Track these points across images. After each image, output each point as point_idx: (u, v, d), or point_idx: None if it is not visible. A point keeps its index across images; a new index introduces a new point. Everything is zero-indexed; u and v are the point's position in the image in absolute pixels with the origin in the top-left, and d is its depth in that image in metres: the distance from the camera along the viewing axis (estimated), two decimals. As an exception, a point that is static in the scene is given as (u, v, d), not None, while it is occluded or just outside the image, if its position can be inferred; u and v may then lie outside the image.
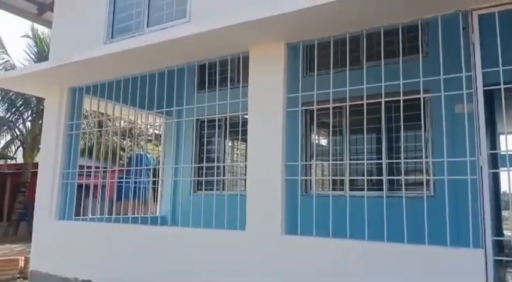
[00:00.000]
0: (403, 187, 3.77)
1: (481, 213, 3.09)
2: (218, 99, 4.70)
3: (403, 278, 3.33)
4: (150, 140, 12.69)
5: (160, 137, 8.08)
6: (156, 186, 7.66)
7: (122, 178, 7.55)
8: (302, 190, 5.67)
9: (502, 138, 8.66)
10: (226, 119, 6.82)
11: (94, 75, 5.44)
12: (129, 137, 9.65)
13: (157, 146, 8.91)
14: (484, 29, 3.50)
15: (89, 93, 5.78)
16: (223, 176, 6.83)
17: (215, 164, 6.93)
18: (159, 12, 5.35)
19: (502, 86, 3.18)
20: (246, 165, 4.51)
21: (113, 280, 4.93)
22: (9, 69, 15.08)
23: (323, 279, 3.66)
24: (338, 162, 6.03)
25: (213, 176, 6.65)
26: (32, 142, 15.39)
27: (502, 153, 4.14)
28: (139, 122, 6.17)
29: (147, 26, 5.40)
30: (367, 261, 3.51)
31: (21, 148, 16.02)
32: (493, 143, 6.54)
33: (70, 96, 5.90)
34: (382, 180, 4.70)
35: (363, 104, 3.87)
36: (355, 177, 5.90)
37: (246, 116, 4.40)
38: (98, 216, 5.81)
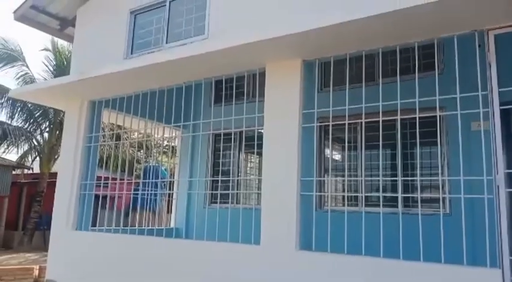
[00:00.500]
0: (419, 204, 3.77)
1: (498, 233, 3.07)
2: (234, 113, 4.77)
3: (419, 296, 3.30)
4: (165, 152, 12.81)
5: (176, 149, 8.18)
6: (171, 198, 7.73)
7: (137, 189, 7.65)
8: (316, 205, 5.67)
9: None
10: (241, 132, 6.90)
11: (114, 89, 5.58)
12: (146, 148, 9.79)
13: (172, 158, 9.01)
14: (500, 47, 3.52)
15: (108, 107, 5.91)
16: (238, 189, 6.87)
17: (230, 177, 6.97)
18: (178, 28, 5.49)
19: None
20: (260, 179, 4.55)
21: (127, 292, 4.97)
22: (28, 81, 15.49)
23: (338, 296, 3.65)
24: (353, 178, 6.02)
25: (228, 189, 6.69)
26: (48, 152, 15.68)
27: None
28: (155, 135, 6.27)
29: (166, 42, 5.54)
30: (382, 278, 3.50)
31: (38, 158, 16.31)
32: (510, 158, 6.46)
33: (89, 110, 6.05)
34: (397, 196, 4.70)
35: (378, 120, 3.90)
36: (370, 194, 5.88)
37: (261, 130, 4.46)
38: (114, 227, 5.89)
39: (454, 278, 3.20)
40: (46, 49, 15.88)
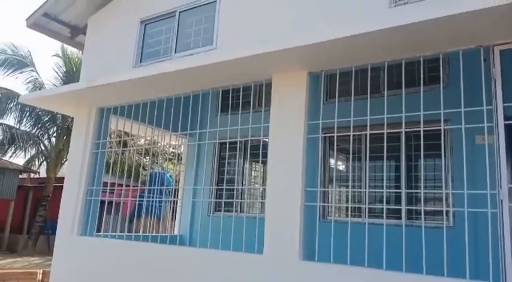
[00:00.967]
0: (423, 217, 3.78)
1: (501, 248, 3.08)
2: (240, 122, 4.83)
3: (421, 309, 3.31)
4: (171, 159, 12.89)
5: (181, 156, 8.25)
6: (175, 205, 7.78)
7: (143, 195, 7.71)
8: (320, 216, 5.69)
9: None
10: (247, 142, 6.95)
11: (122, 97, 5.67)
12: (152, 155, 9.87)
13: (177, 165, 9.07)
14: (506, 61, 3.55)
15: (116, 114, 5.99)
16: (242, 198, 6.91)
17: (235, 186, 7.01)
18: (187, 39, 5.58)
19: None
20: (264, 188, 4.59)
21: (130, 298, 5.00)
22: (37, 87, 15.70)
23: (340, 307, 3.66)
24: (357, 190, 6.04)
25: (232, 197, 6.73)
26: (55, 157, 15.82)
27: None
28: (162, 142, 6.34)
29: (175, 52, 5.63)
30: (385, 290, 3.51)
31: (44, 162, 16.45)
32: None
33: (98, 116, 6.13)
34: (401, 208, 4.71)
35: (383, 132, 3.94)
36: (374, 206, 5.89)
37: (267, 140, 4.51)
38: (119, 233, 5.94)
39: (457, 291, 3.20)
40: (57, 55, 16.11)
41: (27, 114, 15.87)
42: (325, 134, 5.01)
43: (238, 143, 5.60)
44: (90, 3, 6.99)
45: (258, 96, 6.36)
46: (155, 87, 5.26)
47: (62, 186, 6.27)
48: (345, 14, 4.69)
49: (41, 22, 7.38)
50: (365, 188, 5.85)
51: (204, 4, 5.69)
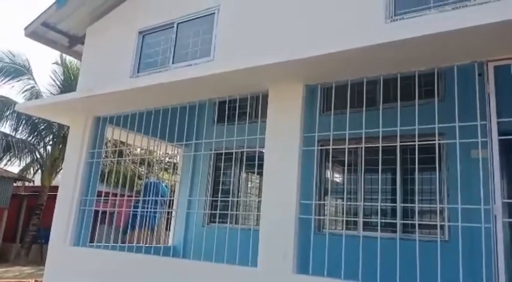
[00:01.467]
0: (417, 231, 3.77)
1: (495, 264, 3.08)
2: (236, 133, 4.83)
3: (416, 325, 3.28)
4: (167, 169, 12.85)
5: (177, 166, 8.23)
6: (170, 215, 7.74)
7: (137, 205, 7.66)
8: (315, 228, 5.67)
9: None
10: (243, 153, 6.95)
11: (119, 106, 5.67)
12: (148, 165, 9.84)
13: (173, 175, 9.04)
14: (500, 77, 3.59)
15: (112, 123, 5.98)
16: (237, 209, 6.88)
17: (230, 197, 6.99)
18: (185, 50, 5.62)
19: (517, 136, 3.23)
20: (259, 200, 4.57)
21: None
22: (34, 95, 15.68)
23: (334, 321, 3.63)
24: (352, 203, 6.03)
25: (227, 207, 6.70)
26: (50, 166, 15.73)
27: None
28: (158, 152, 6.33)
29: (173, 63, 5.66)
30: (379, 305, 3.48)
31: (39, 171, 16.35)
32: (511, 188, 6.46)
33: (94, 125, 6.12)
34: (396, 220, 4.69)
35: (378, 145, 3.95)
36: (369, 219, 5.88)
37: (263, 151, 4.51)
38: (112, 244, 5.88)
39: (451, 307, 3.19)
40: (57, 63, 16.12)
41: (24, 122, 15.81)
42: (321, 146, 5.02)
43: (234, 153, 5.59)
44: (89, 13, 7.04)
45: (254, 107, 6.38)
46: (152, 97, 5.27)
47: (57, 195, 6.23)
48: (341, 28, 4.75)
49: (39, 31, 7.41)
50: (361, 201, 5.84)
51: (202, 16, 5.75)
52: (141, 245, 6.33)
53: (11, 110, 15.18)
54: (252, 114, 6.65)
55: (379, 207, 5.54)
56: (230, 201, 6.94)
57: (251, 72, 4.22)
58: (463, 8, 4.18)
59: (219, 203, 6.73)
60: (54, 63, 16.11)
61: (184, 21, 5.93)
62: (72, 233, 5.79)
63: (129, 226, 8.07)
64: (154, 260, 5.01)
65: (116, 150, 6.13)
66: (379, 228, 4.25)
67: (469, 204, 3.55)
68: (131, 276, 5.05)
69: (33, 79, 15.96)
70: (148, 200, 7.10)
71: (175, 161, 8.90)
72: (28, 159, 16.34)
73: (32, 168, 16.84)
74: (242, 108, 5.97)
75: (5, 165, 16.17)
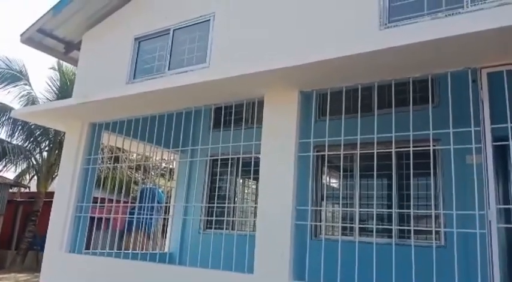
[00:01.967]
0: (412, 236, 3.78)
1: (490, 269, 3.09)
2: (232, 138, 4.83)
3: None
4: (163, 175, 12.82)
5: (173, 171, 8.21)
6: (166, 221, 7.71)
7: (133, 210, 7.64)
8: (312, 234, 5.66)
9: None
10: (239, 158, 6.94)
11: (115, 113, 5.67)
12: (144, 170, 9.83)
13: (169, 180, 9.02)
14: (494, 83, 3.61)
15: (108, 129, 5.97)
16: (234, 214, 6.86)
17: (226, 203, 6.98)
18: (181, 56, 5.63)
19: (511, 142, 3.25)
20: (256, 206, 4.57)
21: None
22: (31, 100, 15.63)
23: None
24: (348, 209, 6.03)
25: (224, 213, 6.68)
26: (46, 171, 15.64)
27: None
28: (154, 158, 6.32)
29: (169, 69, 5.67)
30: (375, 311, 3.48)
31: (35, 177, 16.26)
32: (507, 192, 6.48)
33: (90, 132, 6.10)
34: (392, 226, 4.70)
35: (373, 151, 3.96)
36: (365, 225, 5.88)
37: (259, 156, 4.51)
38: (108, 251, 5.85)
39: (447, 313, 3.19)
40: (53, 68, 16.08)
41: (20, 128, 15.72)
42: (317, 152, 5.02)
43: (230, 159, 5.60)
44: (86, 19, 7.05)
45: (251, 112, 6.39)
46: (148, 103, 5.27)
47: (53, 201, 6.19)
48: (336, 35, 4.77)
49: (35, 37, 7.41)
50: (357, 206, 5.84)
51: (198, 23, 5.77)
52: (137, 251, 6.30)
53: (7, 116, 15.12)
54: (248, 120, 6.66)
55: (374, 213, 5.54)
56: (226, 207, 6.93)
57: (246, 79, 4.23)
58: (456, 15, 4.22)
59: (215, 209, 6.72)
60: (50, 68, 16.05)
61: (180, 28, 5.95)
62: (68, 240, 5.76)
63: (125, 231, 8.04)
64: (151, 266, 4.99)
65: (112, 156, 6.11)
66: (374, 233, 4.26)
67: (464, 210, 3.56)
68: (127, 283, 5.02)
69: (30, 85, 15.90)
70: (145, 206, 7.08)
71: (171, 166, 8.89)
72: (24, 165, 16.23)
73: (27, 174, 16.73)
74: (238, 114, 5.97)
75: (1, 171, 16.06)
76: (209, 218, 7.01)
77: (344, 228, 6.04)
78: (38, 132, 15.85)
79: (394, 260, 3.56)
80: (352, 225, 5.81)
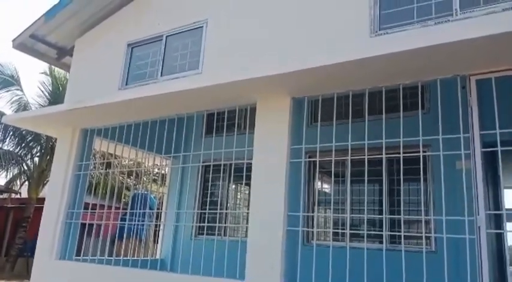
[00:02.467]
0: (402, 242, 3.80)
1: (479, 274, 3.11)
2: (224, 144, 4.83)
3: None
4: (155, 180, 12.76)
5: (165, 177, 8.18)
6: (158, 228, 7.67)
7: (125, 216, 7.58)
8: (304, 240, 5.67)
9: (506, 192, 8.58)
10: (231, 164, 6.94)
11: (107, 118, 5.65)
12: (136, 176, 9.79)
13: (161, 186, 8.99)
14: (483, 90, 3.67)
15: (100, 135, 5.95)
16: (226, 221, 6.85)
17: (217, 210, 6.97)
18: (173, 62, 5.64)
19: (499, 148, 3.29)
20: (248, 212, 4.57)
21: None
22: (22, 106, 15.51)
23: None
24: (340, 215, 6.04)
25: (216, 218, 6.67)
26: (38, 177, 15.50)
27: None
28: (146, 164, 6.30)
29: (161, 75, 5.68)
30: (366, 317, 3.49)
31: (26, 183, 16.11)
32: (497, 197, 6.54)
33: (81, 137, 6.07)
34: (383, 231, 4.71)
35: (364, 157, 3.99)
36: (356, 231, 5.90)
37: (251, 161, 4.52)
38: (99, 257, 5.80)
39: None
40: (45, 73, 15.98)
41: (11, 133, 15.60)
42: (309, 157, 5.05)
43: (222, 165, 5.60)
44: (78, 25, 7.04)
45: (243, 118, 6.40)
46: (140, 109, 5.27)
47: (43, 207, 6.14)
48: (327, 42, 4.82)
49: (27, 43, 7.38)
50: (348, 212, 5.87)
51: (191, 29, 5.79)
52: (128, 258, 6.25)
53: (-2, 122, 14.98)
54: (240, 126, 6.67)
55: (365, 218, 5.57)
56: (218, 213, 6.92)
57: (239, 85, 4.26)
58: (445, 23, 4.28)
59: (207, 215, 6.70)
60: (42, 73, 15.96)
61: (173, 34, 5.97)
62: (58, 246, 5.70)
63: (117, 236, 7.98)
64: (142, 273, 4.96)
65: (103, 162, 6.08)
66: (365, 239, 4.28)
67: (454, 215, 3.59)
68: (118, 290, 4.98)
69: (22, 90, 15.78)
70: (136, 212, 7.04)
71: (163, 172, 8.86)
72: (15, 171, 16.08)
73: (18, 180, 16.57)
74: (230, 120, 5.98)
75: (-9, 177, 15.90)
76: (201, 224, 6.98)
77: (335, 234, 6.05)
78: (30, 138, 15.73)
79: (385, 266, 3.57)
80: (343, 230, 5.82)
